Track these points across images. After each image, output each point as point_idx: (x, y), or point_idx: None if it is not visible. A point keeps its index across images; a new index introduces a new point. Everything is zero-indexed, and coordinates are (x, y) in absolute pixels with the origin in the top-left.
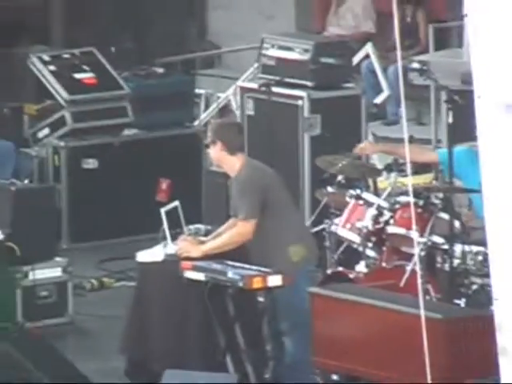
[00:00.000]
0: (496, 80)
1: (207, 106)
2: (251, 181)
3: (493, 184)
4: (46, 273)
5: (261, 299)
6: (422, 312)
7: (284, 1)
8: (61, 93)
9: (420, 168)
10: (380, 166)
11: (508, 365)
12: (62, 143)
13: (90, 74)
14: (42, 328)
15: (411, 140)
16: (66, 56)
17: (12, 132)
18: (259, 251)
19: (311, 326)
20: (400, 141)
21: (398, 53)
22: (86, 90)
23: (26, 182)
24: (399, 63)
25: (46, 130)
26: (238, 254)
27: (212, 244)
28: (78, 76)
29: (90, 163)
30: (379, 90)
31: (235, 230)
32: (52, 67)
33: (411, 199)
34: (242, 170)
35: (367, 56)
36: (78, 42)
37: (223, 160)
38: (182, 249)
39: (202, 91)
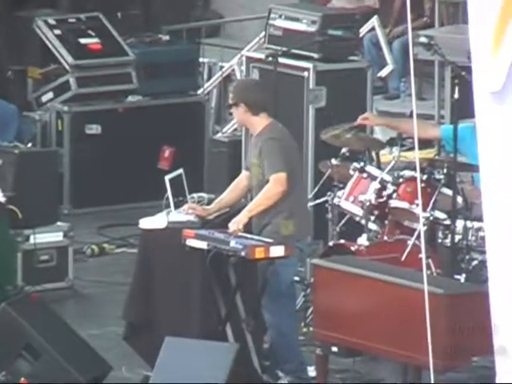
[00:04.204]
0: None
1: (210, 75)
2: (281, 142)
3: (490, 165)
4: (47, 237)
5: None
6: (426, 286)
7: None
8: (66, 57)
9: (421, 143)
10: (383, 140)
11: (508, 365)
12: (65, 108)
13: (95, 40)
14: (42, 292)
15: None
16: (71, 20)
17: (15, 95)
18: (256, 218)
19: (313, 298)
20: (400, 115)
21: (409, 25)
22: (91, 56)
23: (29, 145)
24: (410, 36)
25: (50, 94)
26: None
27: (253, 203)
28: (83, 41)
29: (93, 129)
30: (381, 64)
31: (270, 184)
32: (57, 31)
33: (418, 174)
34: (270, 130)
35: (371, 29)
36: (84, 7)
37: (247, 121)
38: (234, 221)
39: (205, 60)
